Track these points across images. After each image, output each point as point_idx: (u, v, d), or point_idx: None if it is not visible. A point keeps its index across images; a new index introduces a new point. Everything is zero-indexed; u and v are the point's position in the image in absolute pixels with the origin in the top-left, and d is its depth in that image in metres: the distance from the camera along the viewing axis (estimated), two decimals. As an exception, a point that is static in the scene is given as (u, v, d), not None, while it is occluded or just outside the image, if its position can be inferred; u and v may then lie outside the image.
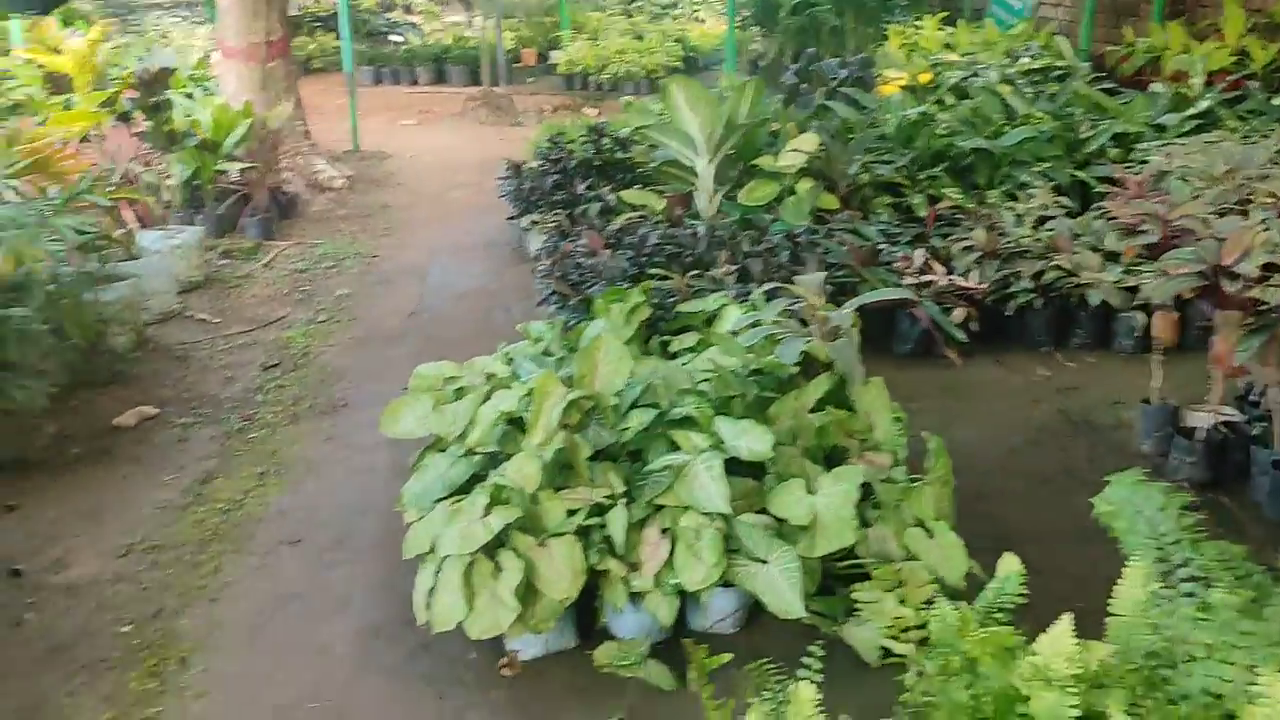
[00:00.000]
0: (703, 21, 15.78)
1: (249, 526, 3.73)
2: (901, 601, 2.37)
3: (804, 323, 3.54)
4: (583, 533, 2.84)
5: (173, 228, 6.37)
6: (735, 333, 3.48)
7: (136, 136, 6.33)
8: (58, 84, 6.64)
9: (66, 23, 8.71)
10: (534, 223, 6.46)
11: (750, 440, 2.88)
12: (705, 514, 2.83)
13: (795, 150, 6.30)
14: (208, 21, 12.59)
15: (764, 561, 2.81)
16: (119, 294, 5.04)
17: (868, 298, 3.71)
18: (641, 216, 5.90)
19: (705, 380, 3.14)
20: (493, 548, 2.77)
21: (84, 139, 6.64)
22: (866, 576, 2.93)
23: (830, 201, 6.17)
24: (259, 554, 3.56)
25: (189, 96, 8.29)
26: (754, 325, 3.42)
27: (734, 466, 2.94)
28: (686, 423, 3.00)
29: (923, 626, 2.39)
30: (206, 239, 6.65)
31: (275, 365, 5.18)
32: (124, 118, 6.63)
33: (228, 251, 6.91)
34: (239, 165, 7.17)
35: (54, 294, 4.03)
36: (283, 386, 4.93)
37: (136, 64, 7.46)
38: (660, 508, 2.91)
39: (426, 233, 7.57)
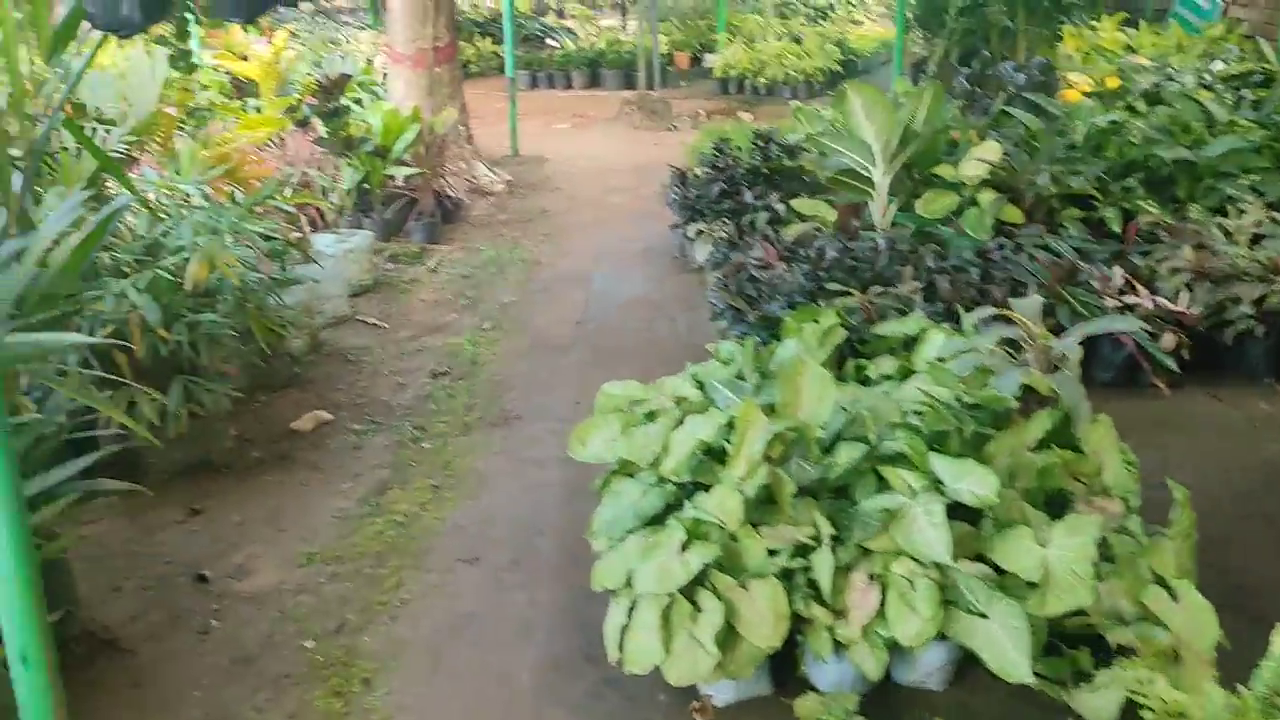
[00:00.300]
0: (860, 24, 15.38)
1: (426, 541, 3.67)
2: (1174, 685, 2.10)
3: (1017, 351, 3.27)
4: (785, 575, 2.65)
5: (344, 231, 6.47)
6: (942, 360, 3.23)
7: (314, 142, 6.45)
8: (240, 89, 6.85)
9: (243, 30, 9.01)
10: (700, 232, 6.30)
11: (972, 483, 2.64)
12: (918, 561, 2.61)
13: (978, 160, 5.97)
14: (369, 27, 12.92)
15: (984, 616, 2.57)
16: (297, 298, 5.11)
17: (1094, 326, 3.40)
18: (816, 228, 5.68)
19: (916, 413, 2.91)
20: (690, 587, 2.61)
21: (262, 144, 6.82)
22: (1096, 636, 2.66)
23: (1014, 214, 5.82)
24: (437, 571, 3.50)
25: (358, 102, 8.46)
26: (963, 352, 3.17)
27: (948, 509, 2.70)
28: (898, 459, 2.78)
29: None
30: (374, 242, 6.73)
31: (445, 373, 5.16)
32: (303, 123, 6.77)
33: (395, 255, 6.98)
34: (407, 170, 7.25)
35: (241, 299, 4.07)
36: (453, 395, 4.90)
37: (316, 70, 7.64)
38: (868, 551, 2.70)
39: (586, 238, 7.51)
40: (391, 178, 7.28)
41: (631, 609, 2.66)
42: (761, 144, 6.93)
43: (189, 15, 2.57)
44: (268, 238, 4.53)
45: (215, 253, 3.71)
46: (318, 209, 6.39)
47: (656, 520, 2.83)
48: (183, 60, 2.86)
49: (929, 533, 2.56)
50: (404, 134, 7.32)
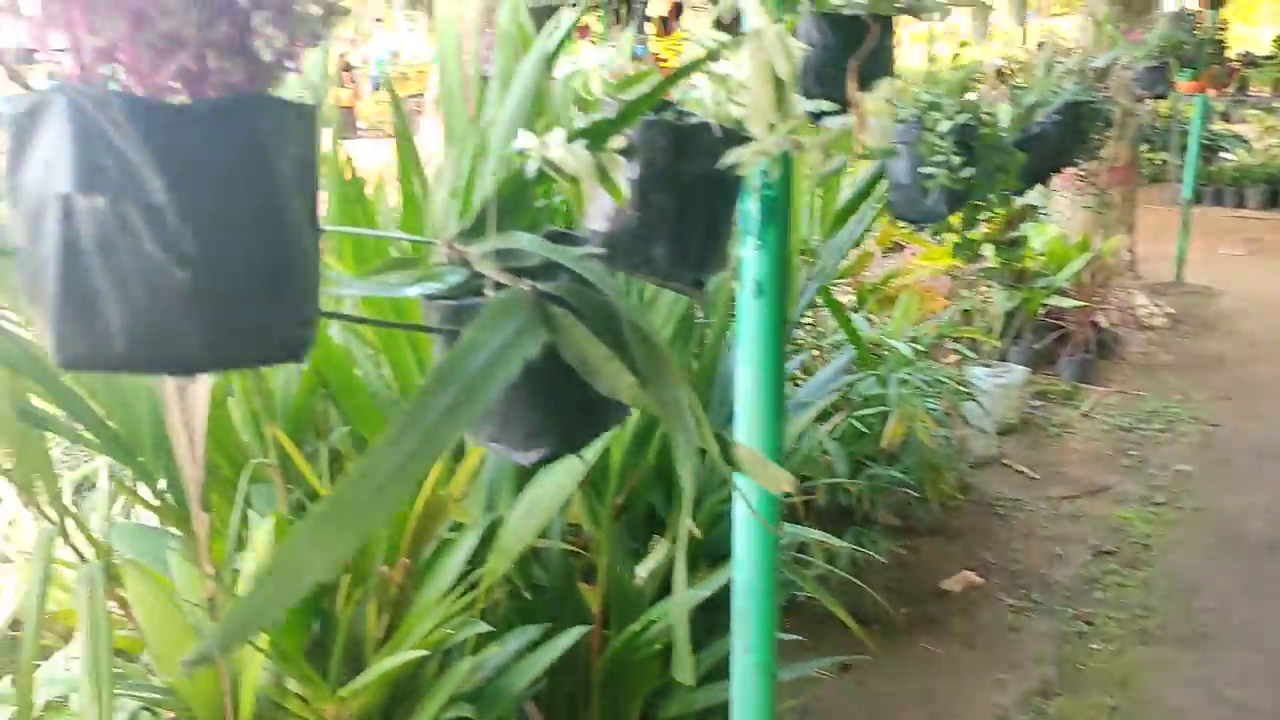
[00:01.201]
0: None
1: (1108, 785, 3.15)
2: None
3: None
4: None
5: (996, 364, 6.12)
6: None
7: (981, 272, 6.21)
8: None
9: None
10: None
11: None
12: None
13: None
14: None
15: None
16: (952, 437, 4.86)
17: None
18: None
19: None
20: None
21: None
22: None
23: None
24: (1124, 832, 2.96)
25: (1011, 217, 8.10)
26: None
27: None
28: None
29: None
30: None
31: (1109, 553, 4.56)
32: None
33: (1042, 392, 6.49)
34: (1066, 301, 6.72)
35: (923, 453, 3.89)
36: (1122, 585, 4.29)
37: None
38: None
39: (1277, 401, 6.37)
40: (1043, 306, 6.79)
41: None
42: None
43: (982, 205, 2.39)
44: (942, 382, 4.33)
45: (914, 411, 3.56)
46: (973, 339, 6.12)
47: None
48: (966, 249, 2.72)
49: None
50: (1070, 262, 6.80)
